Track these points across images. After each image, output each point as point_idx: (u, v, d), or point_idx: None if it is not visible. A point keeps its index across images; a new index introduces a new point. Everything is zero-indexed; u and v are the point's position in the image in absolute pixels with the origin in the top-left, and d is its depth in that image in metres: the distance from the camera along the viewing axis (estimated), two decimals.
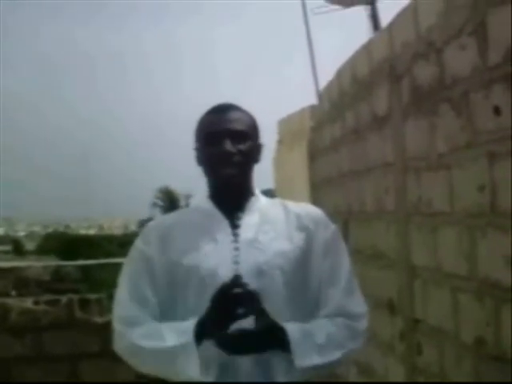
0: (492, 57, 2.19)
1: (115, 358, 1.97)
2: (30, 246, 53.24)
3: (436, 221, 2.74)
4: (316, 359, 1.81)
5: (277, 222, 1.97)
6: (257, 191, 2.03)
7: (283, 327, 1.80)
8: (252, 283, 1.79)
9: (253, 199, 2.00)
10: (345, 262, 1.98)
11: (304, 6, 10.21)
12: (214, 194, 2.00)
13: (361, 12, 13.99)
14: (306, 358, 1.80)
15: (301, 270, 1.93)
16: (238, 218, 1.96)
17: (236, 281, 1.78)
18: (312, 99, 6.76)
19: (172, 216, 2.13)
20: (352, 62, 4.11)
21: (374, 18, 13.64)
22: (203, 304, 1.81)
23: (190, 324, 1.81)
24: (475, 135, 2.33)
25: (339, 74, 4.47)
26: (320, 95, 5.89)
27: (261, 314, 1.78)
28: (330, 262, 1.95)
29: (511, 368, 2.09)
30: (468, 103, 2.38)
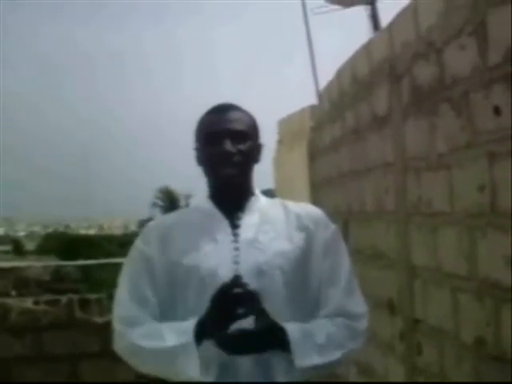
0: (492, 57, 2.19)
1: (115, 358, 1.97)
2: (30, 245, 53.24)
3: (436, 221, 2.74)
4: (316, 359, 1.81)
5: (277, 222, 1.97)
6: (257, 191, 2.03)
7: (283, 327, 1.80)
8: (252, 283, 1.79)
9: (253, 199, 2.00)
10: (345, 262, 1.98)
11: (304, 5, 10.22)
12: (214, 194, 2.00)
13: (361, 12, 14.01)
14: (306, 358, 1.80)
15: (301, 270, 1.93)
16: (238, 218, 1.96)
17: (236, 281, 1.78)
18: (312, 99, 6.77)
19: (172, 216, 2.13)
20: (352, 62, 4.11)
21: (374, 18, 13.64)
22: (203, 304, 1.81)
23: (189, 324, 1.81)
24: (475, 135, 2.33)
25: (339, 73, 4.47)
26: (320, 95, 5.89)
27: (261, 313, 1.78)
28: (329, 262, 1.95)
29: (511, 368, 2.09)
30: (468, 103, 2.38)
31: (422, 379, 2.99)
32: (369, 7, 13.77)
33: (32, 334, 4.55)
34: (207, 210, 1.99)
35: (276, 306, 1.83)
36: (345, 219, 4.17)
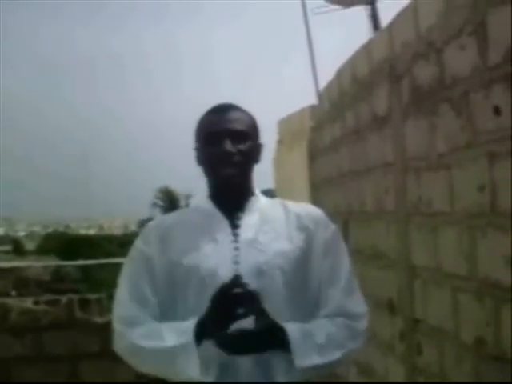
0: (492, 57, 2.19)
1: (115, 358, 1.97)
2: (30, 245, 53.20)
3: (436, 221, 2.74)
4: (316, 359, 1.81)
5: (277, 222, 1.97)
6: (257, 191, 2.03)
7: (283, 327, 1.80)
8: (252, 283, 1.79)
9: (253, 199, 2.00)
10: (345, 262, 1.98)
11: (304, 5, 10.22)
12: (213, 194, 2.00)
13: (361, 12, 14.01)
14: (306, 358, 1.80)
15: (301, 270, 1.93)
16: (238, 218, 1.96)
17: (236, 281, 1.78)
18: (312, 99, 6.77)
19: (172, 216, 2.13)
20: (352, 62, 4.11)
21: (374, 17, 13.64)
22: (203, 304, 1.81)
23: (189, 324, 1.81)
24: (475, 135, 2.33)
25: (339, 73, 4.47)
26: (320, 95, 5.89)
27: (261, 313, 1.78)
28: (329, 262, 1.95)
29: (511, 368, 2.09)
30: (468, 103, 2.38)
31: (421, 379, 2.99)
32: (369, 7, 13.77)
33: (32, 334, 4.55)
34: (207, 210, 1.99)
35: (276, 306, 1.83)
36: (345, 219, 4.17)
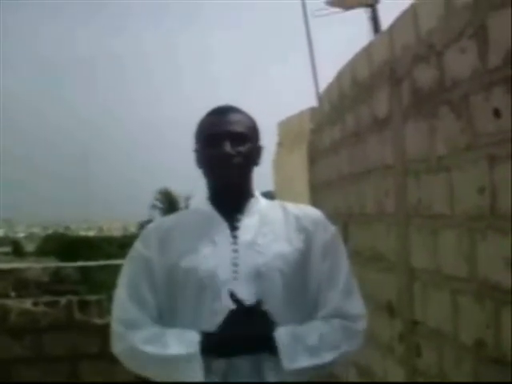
0: (492, 59, 2.19)
1: (114, 360, 1.96)
2: (29, 247, 53.17)
3: (436, 223, 2.74)
4: (305, 361, 1.80)
5: (276, 224, 1.97)
6: (257, 193, 2.03)
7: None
8: (251, 285, 1.80)
9: (252, 201, 2.00)
10: (344, 264, 1.98)
11: (304, 7, 10.24)
12: (213, 196, 2.00)
13: (361, 14, 14.02)
14: (295, 361, 1.79)
15: (300, 271, 1.92)
16: (238, 220, 1.96)
17: (258, 306, 1.79)
18: (312, 101, 6.77)
19: (171, 218, 2.13)
20: (352, 65, 4.11)
21: (375, 20, 13.66)
22: (202, 305, 1.81)
23: (195, 334, 1.81)
24: (475, 138, 2.33)
25: (339, 76, 4.48)
26: (320, 97, 5.89)
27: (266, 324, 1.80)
28: (328, 264, 1.95)
29: (511, 370, 2.09)
30: (468, 106, 2.38)
31: (421, 381, 2.98)
32: (369, 10, 13.79)
33: (31, 335, 4.55)
34: (206, 211, 1.99)
35: (275, 308, 1.83)
36: (345, 221, 4.17)
